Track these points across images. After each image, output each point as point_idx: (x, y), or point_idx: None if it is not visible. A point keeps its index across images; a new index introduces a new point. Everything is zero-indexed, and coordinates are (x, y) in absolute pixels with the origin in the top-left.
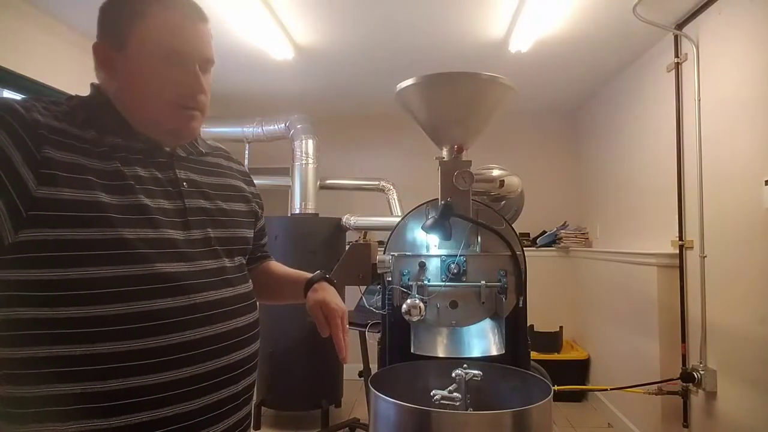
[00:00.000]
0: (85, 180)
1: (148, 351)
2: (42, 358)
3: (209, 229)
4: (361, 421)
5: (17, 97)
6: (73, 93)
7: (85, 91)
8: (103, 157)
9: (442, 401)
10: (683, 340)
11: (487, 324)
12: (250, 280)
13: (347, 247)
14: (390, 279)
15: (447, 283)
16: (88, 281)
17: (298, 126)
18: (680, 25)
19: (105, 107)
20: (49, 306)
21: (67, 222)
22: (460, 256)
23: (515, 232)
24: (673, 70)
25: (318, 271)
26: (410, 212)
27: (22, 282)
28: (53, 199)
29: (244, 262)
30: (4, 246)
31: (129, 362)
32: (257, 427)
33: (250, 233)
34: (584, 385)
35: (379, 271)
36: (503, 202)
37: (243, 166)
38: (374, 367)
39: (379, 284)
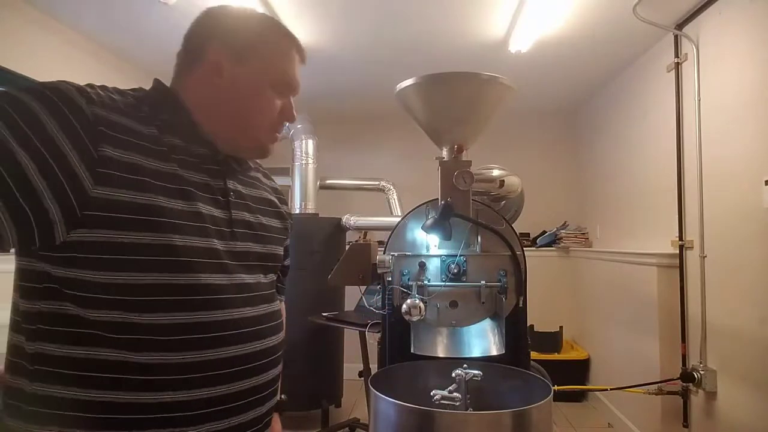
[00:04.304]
0: (142, 181)
1: (185, 366)
2: (76, 358)
3: (250, 243)
4: (361, 421)
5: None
6: None
7: None
8: (161, 158)
9: (442, 401)
10: (683, 340)
11: (487, 324)
12: (277, 300)
13: (347, 247)
14: (390, 279)
15: (447, 283)
16: (133, 287)
17: (298, 126)
18: (680, 25)
19: (172, 104)
20: (94, 307)
21: (120, 224)
22: (460, 256)
23: (515, 232)
24: (673, 70)
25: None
26: (410, 212)
27: (71, 280)
28: (109, 200)
29: (275, 279)
30: (55, 245)
31: (163, 375)
32: None
33: (281, 251)
34: (584, 385)
35: (379, 271)
36: (503, 202)
37: (276, 183)
38: (374, 367)
39: (379, 284)
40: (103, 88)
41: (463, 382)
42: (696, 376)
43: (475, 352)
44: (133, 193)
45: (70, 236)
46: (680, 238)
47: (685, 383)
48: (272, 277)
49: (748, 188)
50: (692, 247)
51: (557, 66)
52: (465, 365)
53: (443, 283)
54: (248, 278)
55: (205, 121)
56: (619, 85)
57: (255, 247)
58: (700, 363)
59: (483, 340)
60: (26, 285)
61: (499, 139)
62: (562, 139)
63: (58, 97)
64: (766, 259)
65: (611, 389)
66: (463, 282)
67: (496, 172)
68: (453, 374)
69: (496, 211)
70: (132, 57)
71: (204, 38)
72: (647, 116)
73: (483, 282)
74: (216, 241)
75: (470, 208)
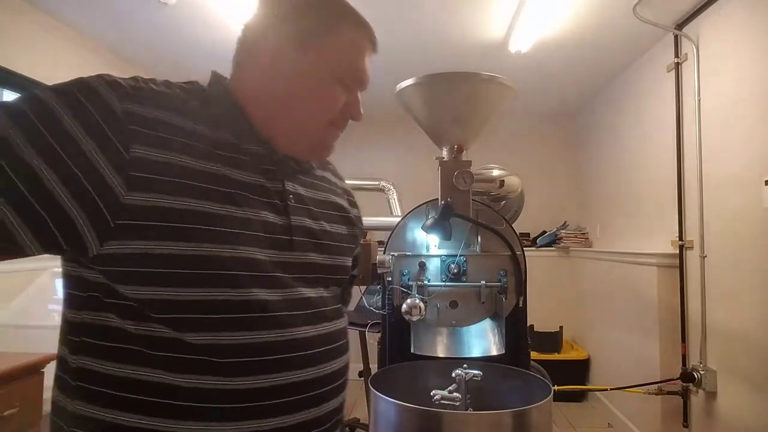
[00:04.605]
0: (183, 185)
1: (236, 393)
2: (117, 377)
3: (312, 253)
4: (361, 421)
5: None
6: None
7: None
8: (208, 157)
9: (442, 401)
10: (683, 340)
11: (487, 324)
12: (345, 316)
13: None
14: (390, 279)
15: (447, 283)
16: (178, 304)
17: None
18: (680, 25)
19: (224, 98)
20: (137, 320)
21: (158, 234)
22: (460, 256)
23: (515, 232)
24: (673, 70)
25: None
26: (410, 212)
27: (111, 290)
28: (145, 207)
29: (339, 293)
30: (88, 257)
31: (209, 403)
32: None
33: (349, 261)
34: (584, 385)
35: (379, 271)
36: (503, 202)
37: (345, 183)
38: (374, 367)
39: (379, 284)
40: (149, 81)
41: (463, 382)
42: (696, 376)
43: (475, 352)
44: (173, 199)
45: (104, 248)
46: (680, 238)
47: (685, 383)
48: (336, 290)
49: (748, 188)
50: (692, 247)
51: (557, 66)
52: (465, 365)
53: (443, 283)
54: (310, 293)
55: (261, 115)
56: (619, 85)
57: (317, 258)
58: (700, 363)
59: (483, 340)
60: (70, 292)
61: (499, 139)
62: (562, 138)
63: (84, 94)
64: (766, 259)
65: (611, 389)
66: (463, 282)
67: (496, 172)
68: (453, 374)
69: (496, 211)
70: (132, 57)
71: (266, 21)
72: (647, 116)
73: (483, 282)
74: (269, 251)
75: (470, 208)
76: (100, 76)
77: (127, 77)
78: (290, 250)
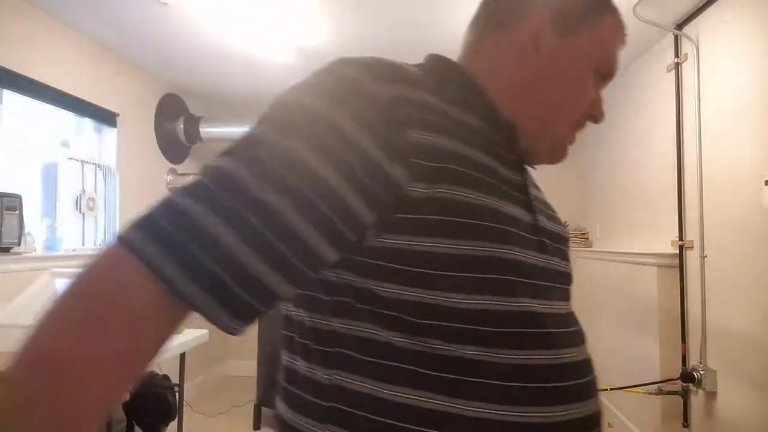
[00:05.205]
0: (465, 175)
1: (529, 428)
2: (386, 400)
3: (557, 258)
4: None
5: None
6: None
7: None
8: (475, 144)
9: None
10: (683, 340)
11: None
12: None
13: None
14: None
15: None
16: (455, 312)
17: None
18: (680, 25)
19: (464, 80)
20: (407, 332)
21: (439, 230)
22: None
23: None
24: (673, 70)
25: None
26: None
27: (366, 293)
28: (427, 198)
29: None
30: (361, 248)
31: None
32: (257, 427)
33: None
34: None
35: None
36: None
37: None
38: None
39: None
40: (393, 66)
41: None
42: (696, 376)
43: None
44: (458, 190)
45: (378, 241)
46: (680, 238)
47: (685, 383)
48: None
49: (748, 188)
50: (692, 247)
51: None
52: None
53: None
54: (563, 307)
55: (502, 101)
56: (619, 85)
57: (559, 265)
58: (700, 363)
59: None
60: (309, 294)
61: None
62: None
63: (346, 85)
64: (766, 259)
65: (611, 389)
66: None
67: None
68: None
69: None
70: (132, 57)
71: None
72: (647, 116)
73: None
74: (531, 253)
75: None
76: (353, 64)
77: (367, 57)
78: (544, 253)
